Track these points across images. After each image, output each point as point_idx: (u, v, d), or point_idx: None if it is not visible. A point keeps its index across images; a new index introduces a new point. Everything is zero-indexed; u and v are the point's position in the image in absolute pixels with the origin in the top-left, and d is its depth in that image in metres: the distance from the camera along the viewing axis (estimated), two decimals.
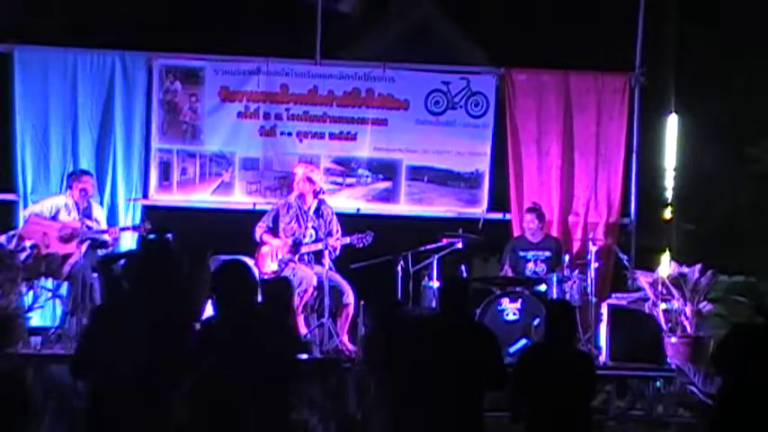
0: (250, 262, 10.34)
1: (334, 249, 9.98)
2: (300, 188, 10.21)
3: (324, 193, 10.32)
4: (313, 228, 10.11)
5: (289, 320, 7.44)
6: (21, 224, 10.41)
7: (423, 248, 10.38)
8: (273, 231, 10.21)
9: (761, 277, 11.56)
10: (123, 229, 10.47)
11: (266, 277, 9.96)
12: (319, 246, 10.01)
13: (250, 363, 5.80)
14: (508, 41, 12.49)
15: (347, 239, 10.03)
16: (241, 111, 11.36)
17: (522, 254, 10.69)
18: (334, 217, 10.29)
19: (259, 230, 10.21)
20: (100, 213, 10.44)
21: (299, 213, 10.20)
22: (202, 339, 5.97)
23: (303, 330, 9.82)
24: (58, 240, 9.99)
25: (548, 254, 10.64)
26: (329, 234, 10.07)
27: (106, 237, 10.16)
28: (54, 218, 10.15)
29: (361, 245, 10.02)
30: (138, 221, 10.94)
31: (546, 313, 7.19)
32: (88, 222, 10.16)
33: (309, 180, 10.23)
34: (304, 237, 10.14)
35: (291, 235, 10.16)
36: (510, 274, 10.64)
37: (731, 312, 10.58)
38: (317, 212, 10.19)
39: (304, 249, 10.10)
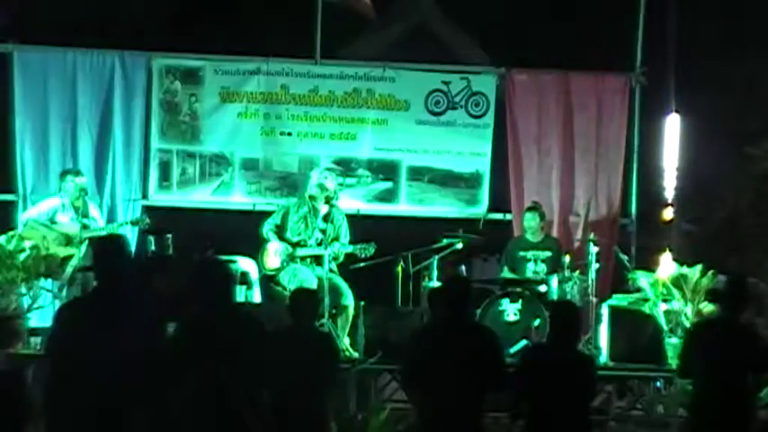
0: (250, 261, 10.36)
1: (336, 258, 9.96)
2: (313, 193, 10.16)
3: (336, 200, 10.29)
4: (319, 232, 10.08)
5: (313, 329, 7.51)
6: (20, 228, 10.41)
7: (423, 249, 10.37)
8: (281, 229, 10.18)
9: (761, 277, 11.55)
10: (122, 224, 10.48)
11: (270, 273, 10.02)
12: (321, 251, 9.97)
13: (223, 362, 5.78)
14: (508, 41, 12.50)
15: (349, 249, 10.00)
16: (241, 111, 11.35)
17: (521, 254, 10.68)
18: (345, 223, 10.23)
19: (266, 227, 10.19)
20: (95, 211, 10.44)
21: (307, 215, 10.17)
22: (178, 338, 5.97)
23: None
24: (57, 244, 10.00)
25: (548, 254, 10.63)
26: (336, 239, 10.05)
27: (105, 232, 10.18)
28: (51, 220, 10.15)
29: (363, 255, 9.99)
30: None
31: (550, 314, 7.18)
32: (85, 221, 10.17)
33: (321, 187, 10.18)
34: (309, 238, 10.11)
35: (297, 235, 10.14)
36: (509, 274, 10.64)
37: None
38: (327, 217, 10.14)
39: (304, 253, 10.08)
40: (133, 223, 10.47)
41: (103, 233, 10.14)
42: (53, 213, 10.21)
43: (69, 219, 10.17)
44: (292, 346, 6.94)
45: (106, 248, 6.01)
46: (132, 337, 5.62)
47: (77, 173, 10.46)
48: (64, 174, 10.43)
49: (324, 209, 10.14)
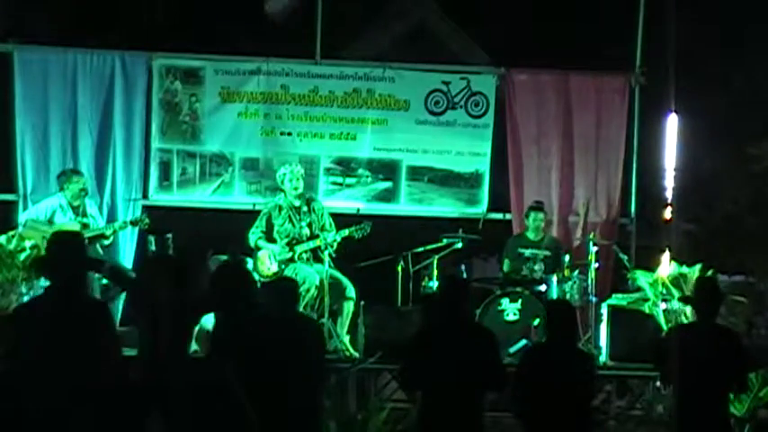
0: (251, 261, 10.35)
1: (332, 245, 9.95)
2: (296, 186, 10.17)
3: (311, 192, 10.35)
4: (307, 225, 10.11)
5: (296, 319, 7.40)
6: (20, 229, 10.42)
7: (423, 248, 10.38)
8: (268, 235, 10.18)
9: (761, 277, 11.57)
10: (122, 225, 10.47)
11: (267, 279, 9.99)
12: (317, 242, 9.99)
13: (251, 361, 5.79)
14: (508, 41, 12.50)
15: (345, 231, 10.02)
16: (241, 111, 11.36)
17: (521, 250, 10.70)
18: (326, 211, 10.29)
19: (253, 237, 10.17)
20: (94, 209, 10.45)
21: (290, 213, 10.18)
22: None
23: None
24: None
25: (547, 253, 10.65)
26: (323, 229, 10.08)
27: (105, 231, 10.19)
28: (50, 220, 10.16)
29: (360, 235, 10.01)
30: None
31: (547, 314, 7.19)
32: (84, 221, 10.17)
33: (302, 178, 10.25)
34: (300, 235, 10.12)
35: (287, 235, 10.14)
36: (507, 268, 10.64)
37: (731, 312, 10.57)
38: (309, 208, 10.19)
39: (302, 249, 10.08)
40: (133, 223, 10.46)
41: (105, 231, 10.17)
42: (52, 213, 10.21)
43: (68, 218, 10.17)
44: (280, 336, 6.86)
45: (67, 242, 5.76)
46: (87, 349, 5.45)
47: (77, 172, 10.46)
48: (63, 174, 10.43)
49: (302, 200, 10.15)
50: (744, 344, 7.30)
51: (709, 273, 9.84)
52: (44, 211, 10.25)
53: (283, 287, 7.27)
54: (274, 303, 7.03)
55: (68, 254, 5.61)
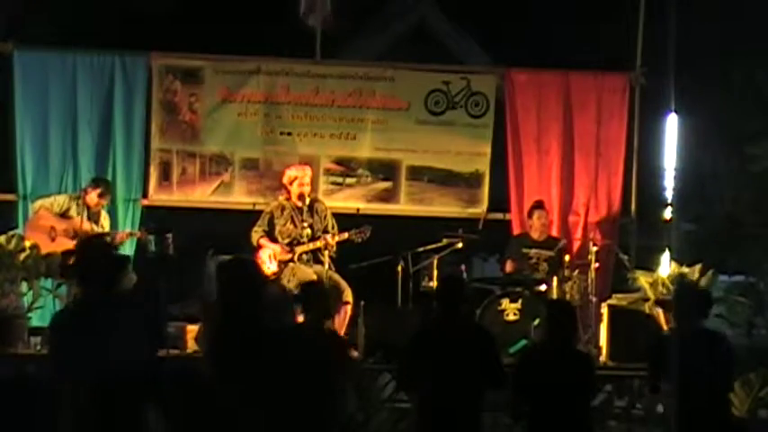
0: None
1: (332, 246, 9.95)
2: (301, 189, 10.18)
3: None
4: (309, 226, 10.11)
5: (325, 324, 7.33)
6: (30, 214, 10.48)
7: (423, 248, 10.38)
8: (270, 235, 10.19)
9: (761, 277, 11.56)
10: (131, 233, 10.48)
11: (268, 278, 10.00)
12: (317, 244, 10.00)
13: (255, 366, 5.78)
14: (508, 41, 12.50)
15: (345, 235, 10.02)
16: (241, 111, 11.36)
17: (524, 250, 10.69)
18: (329, 213, 10.29)
19: (255, 235, 10.17)
20: (106, 221, 10.44)
21: (293, 214, 10.19)
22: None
23: None
24: (65, 236, 10.03)
25: (550, 253, 10.63)
26: (325, 231, 10.08)
27: (107, 239, 10.18)
28: (63, 214, 10.18)
29: (359, 239, 10.02)
30: (137, 222, 10.96)
31: (547, 313, 7.19)
32: (94, 227, 10.18)
33: (298, 184, 10.23)
34: (301, 236, 10.13)
35: (288, 236, 10.14)
36: (510, 268, 10.63)
37: (731, 312, 10.57)
38: (311, 210, 10.19)
39: (302, 249, 10.08)
40: (140, 236, 10.41)
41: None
42: (67, 209, 10.25)
43: (80, 219, 10.17)
44: (303, 346, 6.82)
45: (101, 251, 5.85)
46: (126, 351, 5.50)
47: (109, 183, 10.45)
48: (97, 183, 10.37)
49: (306, 202, 10.15)
50: (731, 347, 7.23)
51: (710, 273, 9.84)
52: (60, 203, 10.28)
53: (314, 294, 7.15)
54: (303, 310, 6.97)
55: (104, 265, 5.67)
